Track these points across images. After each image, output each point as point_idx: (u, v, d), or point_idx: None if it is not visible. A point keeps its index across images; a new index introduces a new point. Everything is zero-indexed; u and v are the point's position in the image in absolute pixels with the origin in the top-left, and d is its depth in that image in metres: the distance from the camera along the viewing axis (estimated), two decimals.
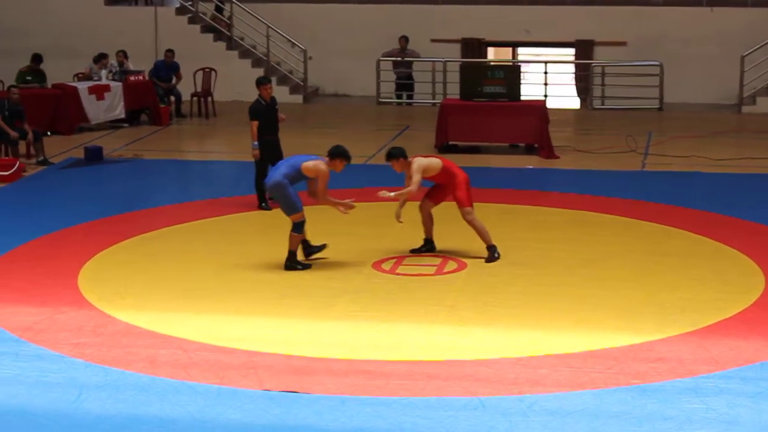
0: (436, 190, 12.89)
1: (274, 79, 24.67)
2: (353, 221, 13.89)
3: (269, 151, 15.06)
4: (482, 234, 12.76)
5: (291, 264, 12.53)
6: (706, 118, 22.94)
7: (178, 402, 8.90)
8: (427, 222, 12.95)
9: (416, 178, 12.47)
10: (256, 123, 15.06)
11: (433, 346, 10.16)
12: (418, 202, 12.95)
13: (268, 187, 12.60)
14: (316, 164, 12.32)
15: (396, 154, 12.57)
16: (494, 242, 12.75)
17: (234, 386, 9.20)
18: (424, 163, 12.57)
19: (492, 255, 12.70)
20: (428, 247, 13.03)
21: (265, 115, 15.12)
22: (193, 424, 8.56)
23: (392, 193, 12.51)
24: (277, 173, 12.45)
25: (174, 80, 22.97)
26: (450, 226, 13.61)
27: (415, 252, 12.97)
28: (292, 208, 12.44)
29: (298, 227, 12.45)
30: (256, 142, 15.06)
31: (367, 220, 14.32)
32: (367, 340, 10.37)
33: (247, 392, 9.08)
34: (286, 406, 8.82)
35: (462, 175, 12.69)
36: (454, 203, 12.69)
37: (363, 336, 10.48)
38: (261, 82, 15.36)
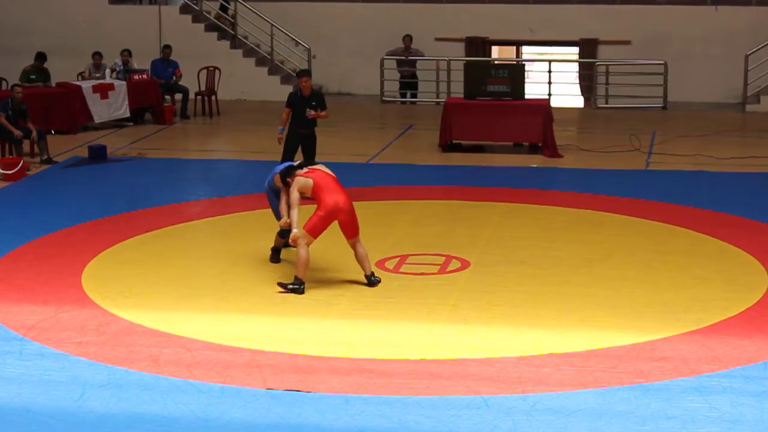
0: (341, 226, 12.00)
1: (277, 78, 24.89)
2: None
3: (295, 144, 15.09)
4: (299, 265, 11.65)
5: (273, 255, 12.71)
6: (710, 117, 22.90)
7: (181, 401, 8.91)
8: (358, 258, 12.06)
9: (293, 196, 11.76)
10: (286, 110, 15.26)
11: (436, 345, 10.16)
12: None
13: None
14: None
15: (286, 176, 11.98)
16: (494, 241, 12.69)
17: (237, 385, 9.21)
18: (300, 182, 11.81)
19: (293, 287, 11.64)
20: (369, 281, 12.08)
21: (296, 107, 15.24)
22: (196, 422, 8.57)
23: (287, 219, 11.85)
24: (266, 181, 12.54)
25: (174, 78, 22.81)
26: (453, 225, 13.59)
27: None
28: (276, 215, 12.46)
29: (282, 232, 12.34)
30: (281, 127, 15.22)
31: (370, 219, 14.29)
32: (370, 338, 10.36)
33: (250, 391, 9.09)
34: (290, 404, 8.83)
35: (328, 206, 11.65)
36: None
37: (366, 335, 10.48)
38: (298, 75, 15.56)
